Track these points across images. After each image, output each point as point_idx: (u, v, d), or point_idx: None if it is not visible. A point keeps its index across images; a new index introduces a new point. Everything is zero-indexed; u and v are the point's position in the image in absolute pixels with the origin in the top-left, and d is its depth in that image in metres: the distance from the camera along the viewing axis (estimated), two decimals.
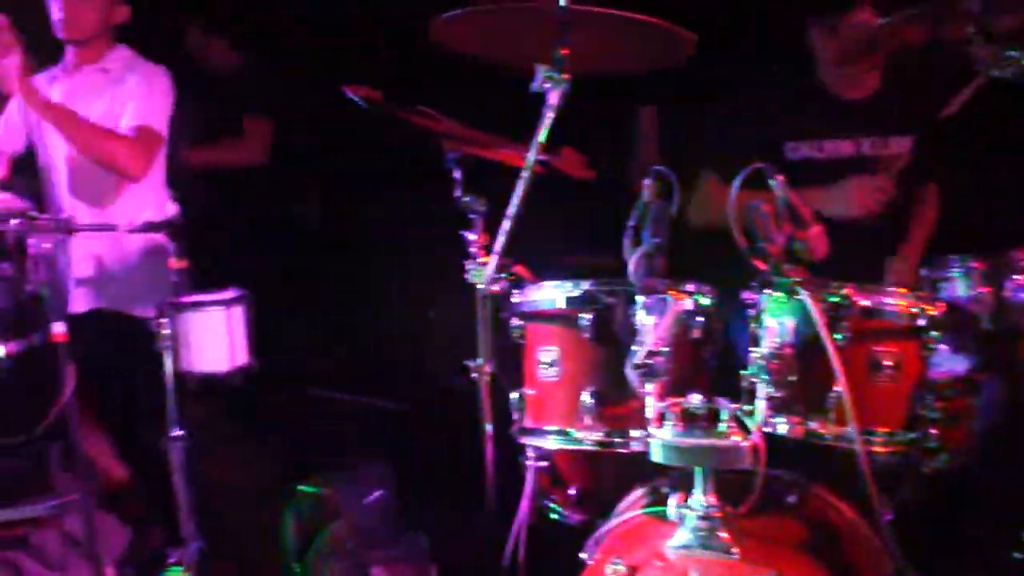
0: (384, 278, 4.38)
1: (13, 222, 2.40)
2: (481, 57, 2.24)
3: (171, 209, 2.57)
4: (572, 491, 2.38)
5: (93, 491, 2.72)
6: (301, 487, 2.89)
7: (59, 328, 2.46)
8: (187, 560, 2.69)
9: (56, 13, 2.98)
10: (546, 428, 2.19)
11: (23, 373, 2.65)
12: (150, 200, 3.04)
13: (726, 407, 1.86)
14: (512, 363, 2.34)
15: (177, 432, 2.64)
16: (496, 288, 2.27)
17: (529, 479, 2.36)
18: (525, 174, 2.08)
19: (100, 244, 3.04)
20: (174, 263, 2.57)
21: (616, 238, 2.10)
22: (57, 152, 3.06)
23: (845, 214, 2.79)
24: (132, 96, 2.99)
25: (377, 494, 2.78)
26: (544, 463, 2.33)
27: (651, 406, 1.90)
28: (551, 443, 2.18)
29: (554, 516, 2.43)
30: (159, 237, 3.00)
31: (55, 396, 2.55)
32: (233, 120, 4.26)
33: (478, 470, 2.58)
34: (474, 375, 2.48)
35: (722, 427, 1.85)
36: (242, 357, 2.68)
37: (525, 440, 2.25)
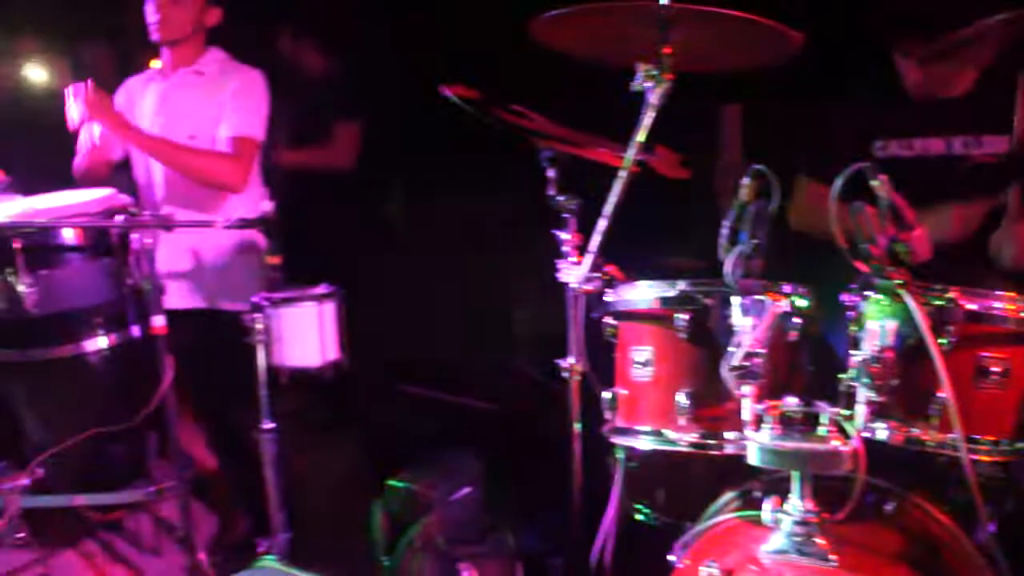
0: (472, 276, 4.37)
1: (118, 218, 2.45)
2: (579, 56, 2.22)
3: (266, 206, 2.59)
4: (659, 492, 2.35)
5: (188, 479, 2.76)
6: (391, 481, 2.90)
7: (159, 321, 2.51)
8: (276, 550, 2.72)
9: (151, 15, 3.04)
10: (639, 428, 2.16)
11: (123, 364, 2.71)
12: (245, 198, 3.08)
13: (826, 411, 1.81)
14: (603, 362, 2.32)
15: (269, 424, 2.67)
16: (589, 287, 2.25)
17: (617, 479, 2.34)
18: (623, 173, 2.06)
19: (194, 240, 3.09)
20: (268, 259, 2.60)
21: (701, 238, 2.07)
22: (153, 162, 3.12)
23: (941, 238, 2.71)
24: (230, 104, 3.03)
25: (466, 490, 2.77)
26: (632, 463, 2.31)
27: (748, 408, 1.87)
28: (644, 443, 2.15)
29: (640, 517, 2.41)
30: (251, 233, 3.06)
31: (154, 386, 2.60)
32: (323, 124, 4.30)
33: (565, 469, 2.56)
34: (564, 374, 2.47)
35: (822, 431, 1.81)
36: (333, 352, 2.70)
37: (617, 440, 2.23)
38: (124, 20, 5.48)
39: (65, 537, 3.44)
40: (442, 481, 2.82)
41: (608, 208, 2.10)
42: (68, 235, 2.58)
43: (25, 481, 2.79)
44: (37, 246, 2.53)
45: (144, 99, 3.14)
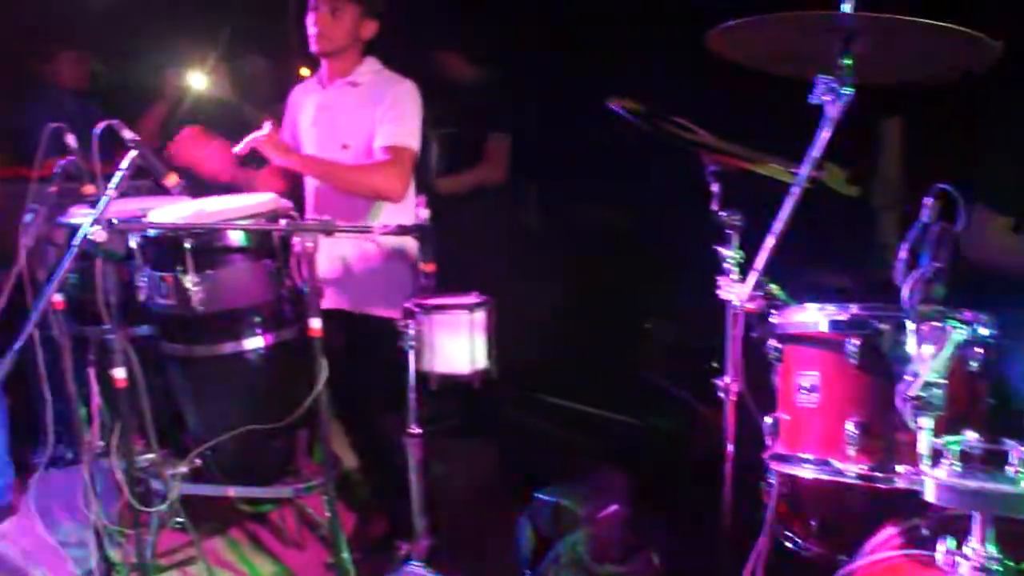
0: (613, 286, 4.29)
1: (282, 222, 2.48)
2: (753, 67, 2.12)
3: (423, 214, 2.58)
4: (813, 522, 2.22)
5: (335, 478, 2.78)
6: (539, 495, 2.84)
7: (315, 323, 2.52)
8: (417, 555, 2.70)
9: (311, 28, 3.08)
10: (801, 456, 2.05)
11: (279, 363, 2.74)
12: (400, 205, 3.08)
13: (1016, 448, 1.66)
14: (760, 384, 2.22)
15: (416, 429, 2.66)
16: (752, 306, 2.14)
17: (770, 506, 2.22)
18: (796, 189, 1.95)
19: (344, 244, 3.12)
20: (423, 266, 2.59)
21: (860, 256, 1.94)
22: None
23: None
24: (384, 114, 3.04)
25: (613, 508, 2.70)
26: (785, 490, 2.19)
27: (925, 442, 1.73)
28: (806, 472, 2.03)
29: (790, 546, 2.28)
30: (402, 240, 3.06)
31: (307, 386, 2.63)
32: (476, 137, 4.30)
33: (715, 491, 2.46)
34: (720, 393, 2.37)
35: (1010, 471, 1.66)
36: (482, 361, 2.66)
37: (777, 467, 2.12)
38: (284, 31, 5.66)
39: (216, 524, 3.54)
40: (590, 497, 2.76)
41: (777, 225, 1.99)
42: (234, 237, 2.63)
43: (184, 469, 2.87)
44: (205, 247, 2.60)
45: (304, 109, 3.19)
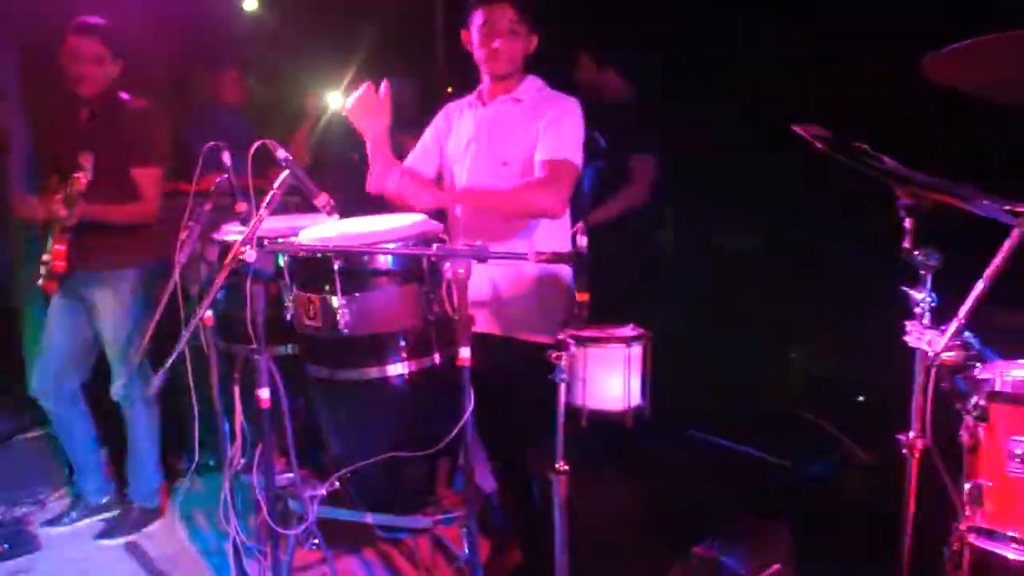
0: (762, 320, 4.02)
1: (435, 246, 2.33)
2: (975, 94, 1.85)
3: (581, 241, 2.39)
4: None
5: (476, 511, 2.61)
6: (697, 549, 2.60)
7: (464, 353, 2.36)
8: None
9: (486, 47, 2.90)
10: (1009, 534, 1.76)
11: (423, 390, 2.60)
12: (554, 230, 2.90)
13: None
14: (954, 443, 1.93)
15: (563, 466, 2.46)
16: (949, 357, 1.87)
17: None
18: (1018, 231, 1.68)
19: (496, 270, 2.95)
20: (577, 295, 2.39)
21: None
22: (464, 186, 3.00)
23: None
24: (545, 129, 2.85)
25: (776, 568, 2.44)
26: (979, 567, 1.90)
27: None
28: (1013, 553, 1.74)
29: None
30: (555, 267, 2.87)
31: (451, 415, 2.47)
32: (623, 160, 4.10)
33: (889, 555, 2.18)
34: (903, 449, 2.09)
35: None
36: (636, 398, 2.45)
37: (976, 541, 1.83)
38: (432, 52, 5.62)
39: (350, 543, 3.44)
40: (752, 554, 2.50)
41: (990, 270, 1.71)
42: (383, 260, 2.50)
43: (322, 492, 2.77)
44: (354, 269, 2.48)
45: (462, 125, 3.03)
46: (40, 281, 3.44)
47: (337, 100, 4.55)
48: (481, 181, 2.94)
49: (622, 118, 4.08)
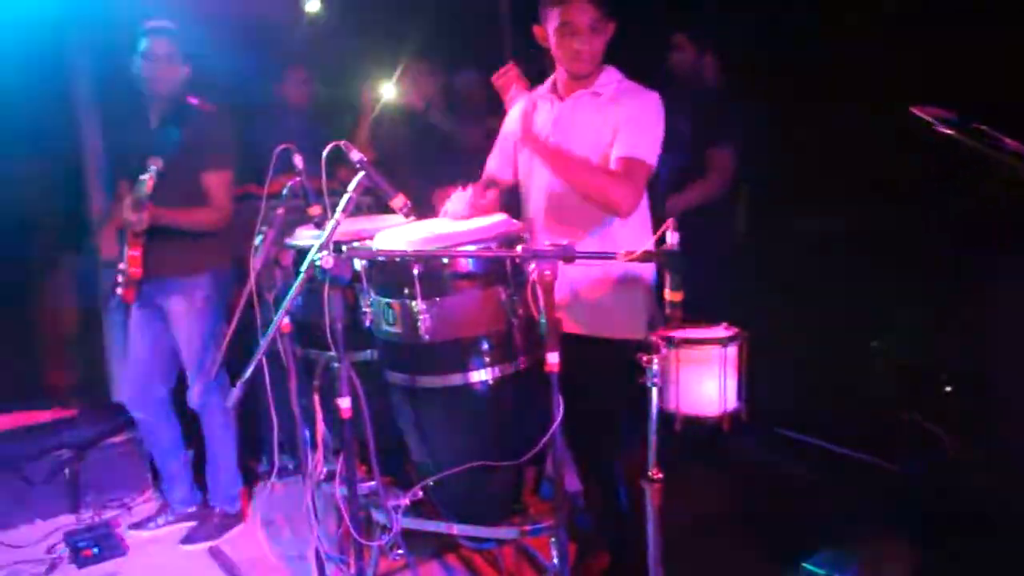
0: (847, 311, 3.79)
1: (520, 247, 2.17)
2: None
3: (672, 239, 2.20)
4: None
5: (567, 520, 2.46)
6: (808, 566, 2.40)
7: (553, 358, 2.20)
8: None
9: (566, 47, 2.69)
10: None
11: (509, 396, 2.46)
12: (629, 229, 2.72)
13: None
14: None
15: (656, 474, 2.29)
16: None
17: None
18: None
19: (577, 269, 2.77)
20: (669, 295, 2.21)
21: None
22: (540, 185, 2.84)
23: None
24: (623, 126, 2.66)
25: None
26: None
27: None
28: None
29: None
30: (640, 266, 2.70)
31: (538, 421, 2.32)
32: (702, 149, 3.90)
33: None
34: None
35: None
36: (732, 401, 2.27)
37: None
38: (498, 45, 5.47)
39: (433, 548, 3.33)
40: (869, 571, 2.30)
41: None
42: (464, 263, 2.36)
43: (406, 502, 2.65)
44: (434, 273, 2.34)
45: (537, 119, 2.85)
46: (119, 289, 3.38)
47: (390, 90, 4.40)
48: (559, 189, 2.76)
49: (706, 106, 3.87)
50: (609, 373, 2.57)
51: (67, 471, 3.94)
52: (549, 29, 2.69)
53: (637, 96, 2.72)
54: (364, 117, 4.48)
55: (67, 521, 3.89)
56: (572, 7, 2.62)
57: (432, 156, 4.28)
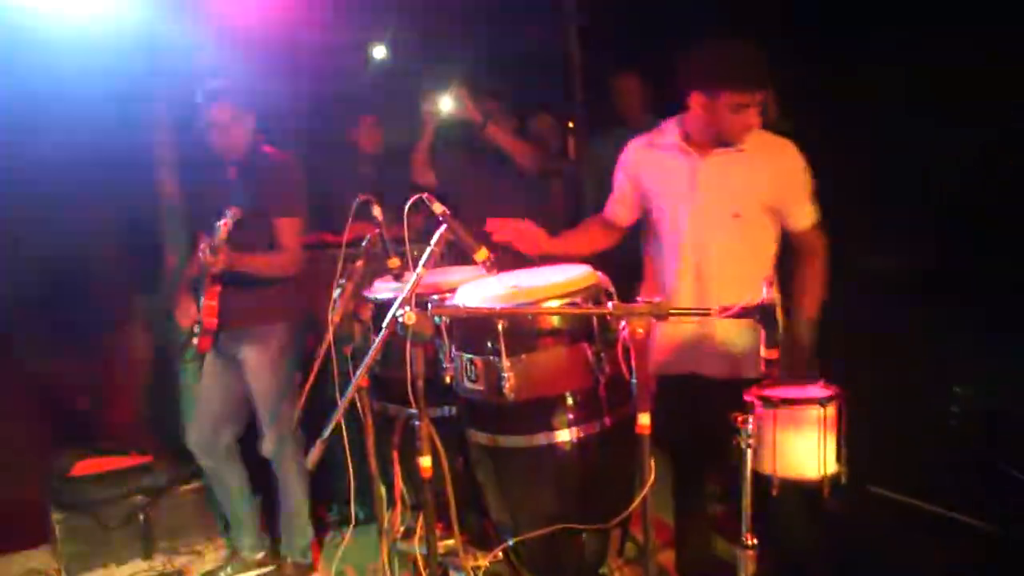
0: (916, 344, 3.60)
1: (611, 304, 2.07)
2: None
3: (769, 293, 2.09)
4: None
5: None
6: None
7: (644, 420, 2.09)
8: None
9: (739, 125, 2.62)
10: None
11: (594, 457, 2.35)
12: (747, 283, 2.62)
13: None
14: None
15: (751, 540, 2.16)
16: None
17: None
18: None
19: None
20: (765, 353, 2.09)
21: None
22: (697, 242, 2.75)
23: None
24: (792, 188, 2.69)
25: None
26: None
27: None
28: None
29: None
30: None
31: (626, 482, 2.21)
32: None
33: None
34: None
35: None
36: (832, 464, 2.13)
37: None
38: (571, 88, 5.44)
39: None
40: None
41: None
42: (549, 318, 2.27)
43: (486, 563, 2.55)
44: (518, 329, 2.26)
45: (669, 170, 2.76)
46: (195, 339, 3.36)
47: (448, 104, 4.33)
48: (710, 232, 2.72)
49: None
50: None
51: (142, 517, 3.92)
52: (718, 102, 2.60)
53: (783, 149, 2.72)
54: (424, 134, 4.41)
55: (141, 566, 3.86)
56: (746, 92, 2.59)
57: (488, 174, 4.20)
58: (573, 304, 2.29)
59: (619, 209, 2.96)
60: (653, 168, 2.82)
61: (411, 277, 2.28)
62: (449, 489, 2.37)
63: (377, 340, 2.26)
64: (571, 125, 5.53)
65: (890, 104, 3.90)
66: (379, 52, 5.76)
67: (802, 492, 2.17)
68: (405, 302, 2.20)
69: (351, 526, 2.99)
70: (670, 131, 2.79)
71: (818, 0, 4.10)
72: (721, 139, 2.67)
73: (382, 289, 2.75)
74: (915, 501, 3.18)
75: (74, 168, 3.95)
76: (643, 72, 4.55)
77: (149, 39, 3.97)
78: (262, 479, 3.71)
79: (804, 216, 2.71)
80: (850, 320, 3.84)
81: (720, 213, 2.67)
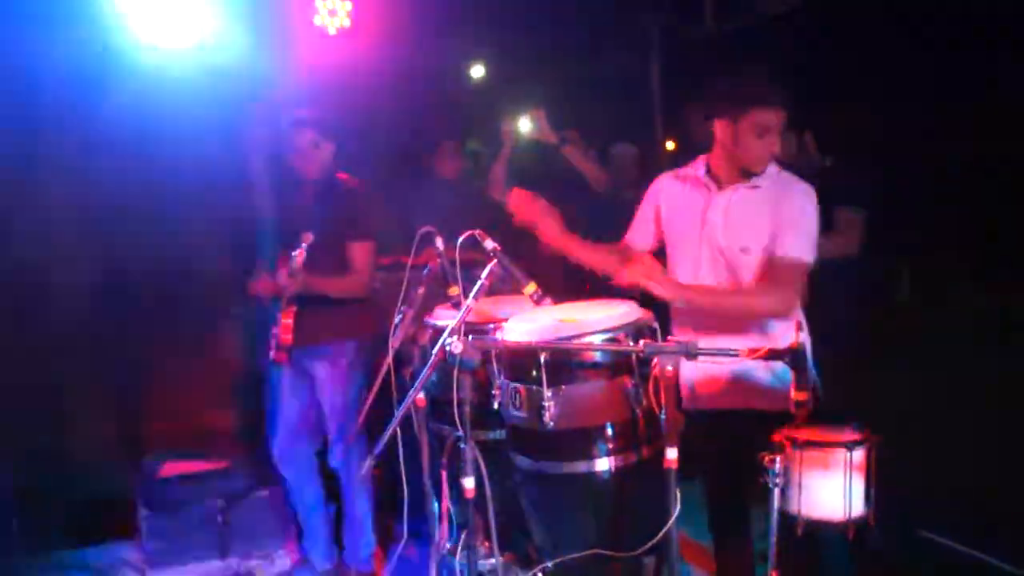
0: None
1: (641, 342, 2.20)
2: None
3: (799, 337, 2.18)
4: None
5: None
6: None
7: (671, 454, 2.20)
8: None
9: (757, 149, 2.71)
10: None
11: (630, 487, 2.46)
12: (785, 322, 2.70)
13: None
14: None
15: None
16: None
17: None
18: None
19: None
20: (795, 395, 2.17)
21: None
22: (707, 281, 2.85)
23: None
24: (782, 225, 2.69)
25: None
26: None
27: None
28: None
29: None
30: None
31: (660, 512, 2.31)
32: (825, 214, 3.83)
33: None
34: None
35: None
36: (859, 507, 2.20)
37: None
38: (650, 117, 5.56)
39: None
40: None
41: None
42: (589, 352, 2.40)
43: None
44: (560, 361, 2.40)
45: (686, 202, 2.88)
46: (272, 352, 3.60)
47: (527, 125, 4.47)
48: (719, 267, 2.80)
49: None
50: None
51: (219, 518, 4.17)
52: (734, 126, 2.71)
53: (795, 190, 2.75)
54: (502, 154, 4.54)
55: (216, 566, 4.11)
56: (770, 111, 2.68)
57: (561, 196, 4.35)
58: (614, 339, 2.42)
59: (636, 235, 3.05)
60: (673, 198, 2.94)
61: (463, 307, 2.45)
62: (491, 511, 2.51)
63: (427, 366, 2.43)
64: (670, 147, 5.67)
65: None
66: (477, 71, 5.94)
67: (842, 533, 2.23)
68: (454, 331, 2.37)
69: (403, 539, 3.16)
70: (697, 164, 2.90)
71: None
72: (743, 168, 2.75)
73: (442, 316, 2.93)
74: (963, 548, 3.14)
75: (180, 186, 4.30)
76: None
77: (248, 70, 4.29)
78: (337, 492, 3.94)
79: (786, 245, 2.66)
80: (944, 355, 3.82)
81: (730, 247, 2.75)
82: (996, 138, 3.89)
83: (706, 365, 2.79)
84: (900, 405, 3.54)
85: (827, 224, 3.82)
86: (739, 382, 2.79)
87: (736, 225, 2.75)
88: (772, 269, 2.69)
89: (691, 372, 2.85)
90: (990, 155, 3.93)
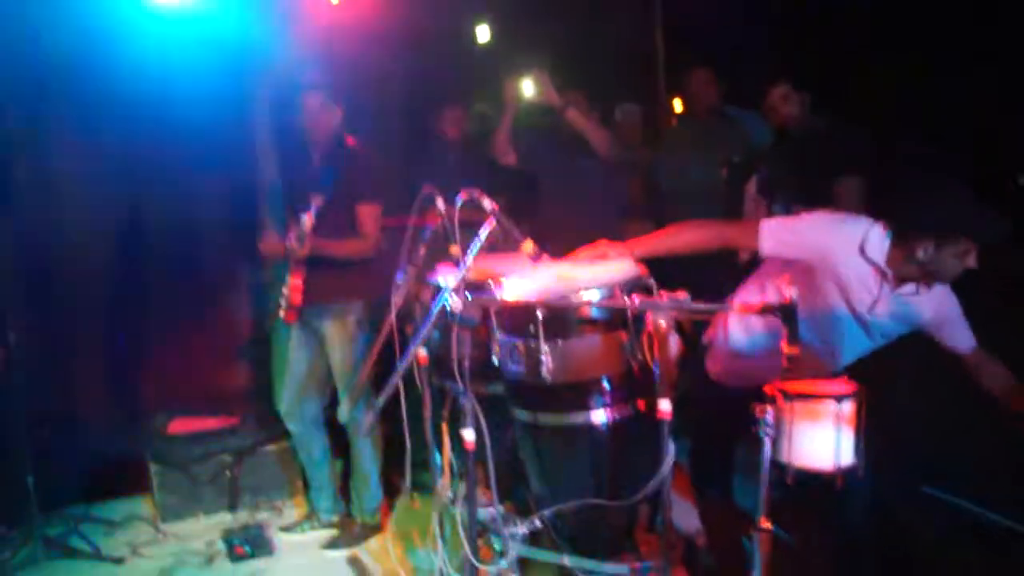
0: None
1: (636, 298, 2.26)
2: None
3: (788, 292, 2.23)
4: None
5: (676, 559, 2.51)
6: None
7: (664, 406, 2.27)
8: None
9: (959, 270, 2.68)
10: None
11: (624, 438, 2.54)
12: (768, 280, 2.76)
13: None
14: None
15: (765, 524, 2.31)
16: None
17: None
18: None
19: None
20: (785, 348, 2.23)
21: None
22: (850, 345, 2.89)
23: None
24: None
25: None
26: None
27: None
28: None
29: None
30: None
31: (653, 462, 2.39)
32: (824, 185, 3.85)
33: None
34: None
35: None
36: (847, 457, 2.27)
37: None
38: (655, 80, 5.57)
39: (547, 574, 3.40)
40: None
41: None
42: (586, 308, 2.46)
43: (523, 531, 2.76)
44: (557, 316, 2.46)
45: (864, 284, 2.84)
46: (281, 312, 3.66)
47: (529, 87, 4.47)
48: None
49: (819, 150, 3.86)
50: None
51: (228, 473, 4.28)
52: (939, 254, 2.63)
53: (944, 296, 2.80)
54: (506, 116, 4.57)
55: (226, 518, 4.24)
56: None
57: (567, 157, 4.38)
58: (610, 294, 2.48)
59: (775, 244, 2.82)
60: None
61: (462, 266, 2.51)
62: (491, 461, 2.58)
63: (426, 322, 2.49)
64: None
65: None
66: (483, 34, 5.91)
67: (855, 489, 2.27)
68: (453, 290, 2.43)
69: (409, 491, 3.25)
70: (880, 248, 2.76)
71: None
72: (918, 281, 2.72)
73: (443, 273, 2.99)
74: (970, 505, 3.15)
75: (187, 149, 4.35)
76: (718, 69, 4.66)
77: (255, 36, 4.33)
78: (344, 446, 4.04)
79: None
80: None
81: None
82: None
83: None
84: (905, 365, 3.54)
85: (826, 195, 3.87)
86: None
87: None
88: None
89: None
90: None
